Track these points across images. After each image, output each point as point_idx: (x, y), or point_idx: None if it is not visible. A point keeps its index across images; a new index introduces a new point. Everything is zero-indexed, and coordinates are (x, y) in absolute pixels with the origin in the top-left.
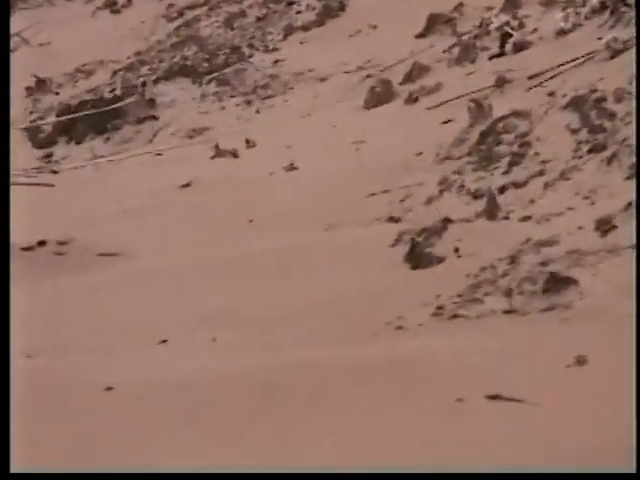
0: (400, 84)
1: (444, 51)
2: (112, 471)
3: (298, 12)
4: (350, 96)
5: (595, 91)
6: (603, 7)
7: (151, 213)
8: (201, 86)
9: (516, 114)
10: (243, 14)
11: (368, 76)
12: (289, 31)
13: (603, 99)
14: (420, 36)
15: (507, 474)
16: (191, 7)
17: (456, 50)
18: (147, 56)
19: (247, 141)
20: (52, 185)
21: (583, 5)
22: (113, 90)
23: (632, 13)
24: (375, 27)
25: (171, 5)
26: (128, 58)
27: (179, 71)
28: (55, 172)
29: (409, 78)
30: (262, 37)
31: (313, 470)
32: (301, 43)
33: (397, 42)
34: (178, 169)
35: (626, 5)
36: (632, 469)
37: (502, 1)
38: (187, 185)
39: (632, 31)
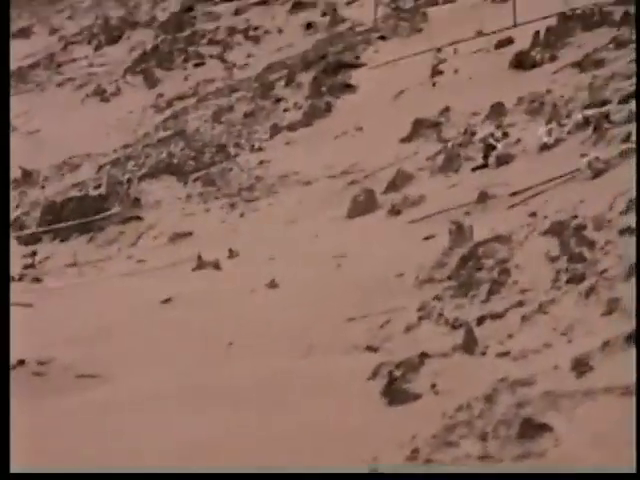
0: (383, 192)
1: (428, 158)
2: (112, 471)
3: (285, 110)
4: (334, 202)
5: (576, 217)
6: (587, 122)
7: (132, 332)
8: (186, 185)
9: (497, 238)
10: (231, 109)
11: (352, 182)
12: (275, 130)
13: (583, 227)
14: (405, 140)
15: (507, 474)
16: (180, 98)
17: (440, 158)
18: (134, 150)
19: (230, 251)
20: (30, 305)
21: (568, 116)
22: (99, 186)
23: (615, 130)
24: (361, 129)
25: (160, 95)
26: (115, 151)
27: (165, 169)
28: (39, 280)
29: (392, 186)
30: (248, 136)
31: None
32: (287, 143)
33: (382, 146)
34: (159, 281)
35: (609, 122)
36: (632, 469)
37: (487, 108)
38: (168, 301)
39: (616, 149)
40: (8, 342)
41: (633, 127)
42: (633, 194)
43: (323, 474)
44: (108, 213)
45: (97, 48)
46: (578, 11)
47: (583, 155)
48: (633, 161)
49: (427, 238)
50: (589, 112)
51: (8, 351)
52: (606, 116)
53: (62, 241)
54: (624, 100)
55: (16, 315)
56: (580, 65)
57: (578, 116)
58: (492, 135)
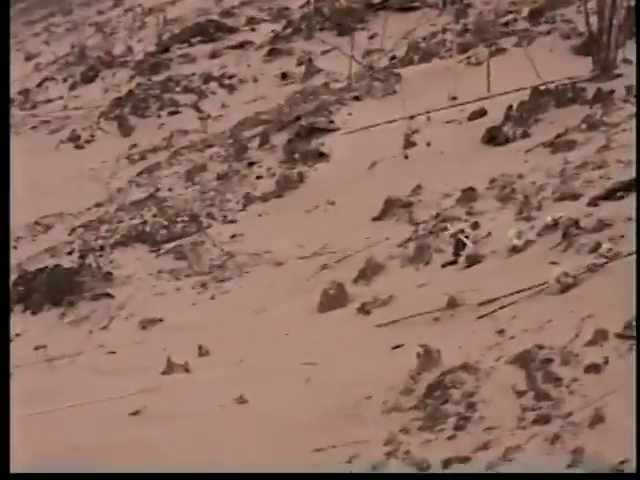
0: (354, 281)
1: (399, 245)
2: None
3: (258, 177)
4: (305, 290)
5: (542, 348)
6: (556, 224)
7: (99, 450)
8: (158, 256)
9: (464, 367)
10: (204, 168)
11: (324, 267)
12: (248, 200)
13: (549, 360)
14: (377, 219)
15: (507, 474)
16: (154, 150)
17: (411, 246)
18: (107, 212)
19: (200, 348)
20: None
21: (538, 209)
22: (71, 252)
23: (584, 238)
24: (333, 203)
25: (134, 145)
26: (89, 210)
27: (137, 237)
28: None
29: (363, 276)
30: (221, 204)
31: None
32: (260, 215)
33: (354, 225)
34: (129, 383)
35: (578, 228)
36: (632, 469)
37: (459, 191)
38: (136, 413)
39: (584, 260)
40: (8, 342)
41: (602, 236)
42: (600, 321)
43: (323, 474)
44: (80, 288)
45: (72, 87)
46: (551, 85)
47: (552, 263)
48: (601, 277)
49: (396, 347)
50: (559, 214)
51: (8, 351)
52: (576, 222)
53: (34, 314)
54: (594, 202)
55: None
56: (552, 145)
57: (547, 218)
58: (462, 231)
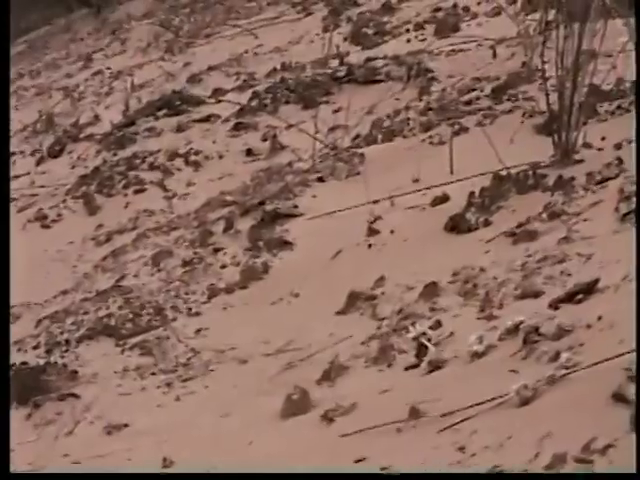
0: (318, 383)
1: (363, 343)
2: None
3: (223, 266)
4: (268, 392)
5: (501, 469)
6: (517, 329)
7: None
8: (124, 352)
9: None
10: (170, 253)
11: (288, 366)
12: (213, 292)
13: None
14: (340, 313)
15: (507, 474)
16: (120, 231)
17: (374, 345)
18: (73, 302)
19: (164, 460)
20: None
21: (500, 307)
22: (37, 346)
23: (544, 346)
24: (297, 295)
25: (100, 226)
26: (55, 298)
27: (103, 330)
28: None
29: (327, 378)
30: (186, 296)
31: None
32: (224, 308)
33: (318, 319)
34: None
35: (539, 334)
36: (632, 469)
37: (421, 285)
38: None
39: (544, 371)
40: (8, 342)
41: (562, 344)
42: (559, 441)
43: (323, 474)
44: (46, 387)
45: (39, 162)
46: (513, 171)
47: (512, 371)
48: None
49: (358, 461)
50: (519, 317)
51: (8, 351)
52: (536, 329)
53: None
54: (554, 304)
55: None
56: (513, 235)
57: (508, 323)
58: (424, 334)
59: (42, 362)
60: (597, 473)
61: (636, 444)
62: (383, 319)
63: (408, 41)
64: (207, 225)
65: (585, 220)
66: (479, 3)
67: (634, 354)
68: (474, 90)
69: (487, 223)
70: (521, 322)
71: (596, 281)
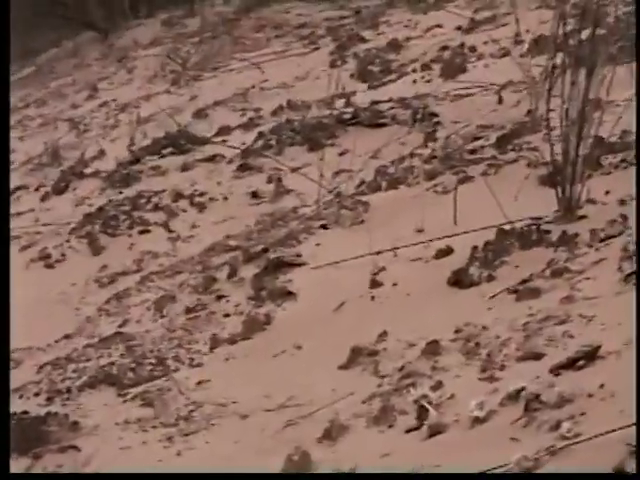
0: (318, 441)
1: (364, 401)
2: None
3: (226, 315)
4: (269, 450)
5: None
6: (518, 394)
7: None
8: (125, 402)
9: None
10: (173, 299)
11: (289, 423)
12: (215, 343)
13: None
14: (343, 367)
15: (507, 474)
16: (123, 273)
17: (376, 403)
18: (75, 348)
19: None
20: None
21: (502, 369)
22: (39, 393)
23: (545, 414)
24: (300, 347)
25: (104, 267)
26: (57, 342)
27: (104, 378)
28: None
29: (328, 436)
30: (188, 345)
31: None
32: (226, 359)
33: (320, 373)
34: None
35: (540, 402)
36: (632, 469)
37: (424, 342)
38: None
39: (545, 440)
40: (8, 341)
41: (562, 413)
42: None
43: (323, 474)
44: (47, 438)
45: (44, 198)
46: (517, 225)
47: (513, 439)
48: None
49: None
50: (521, 383)
51: (8, 350)
52: (537, 396)
53: None
54: (555, 370)
55: None
56: (516, 292)
57: (509, 388)
58: (426, 396)
59: (43, 411)
60: (597, 473)
61: (636, 443)
62: (385, 376)
63: (414, 82)
64: (211, 270)
65: (588, 279)
66: (486, 43)
67: (634, 428)
68: (479, 138)
69: (490, 278)
70: (523, 388)
71: (597, 347)
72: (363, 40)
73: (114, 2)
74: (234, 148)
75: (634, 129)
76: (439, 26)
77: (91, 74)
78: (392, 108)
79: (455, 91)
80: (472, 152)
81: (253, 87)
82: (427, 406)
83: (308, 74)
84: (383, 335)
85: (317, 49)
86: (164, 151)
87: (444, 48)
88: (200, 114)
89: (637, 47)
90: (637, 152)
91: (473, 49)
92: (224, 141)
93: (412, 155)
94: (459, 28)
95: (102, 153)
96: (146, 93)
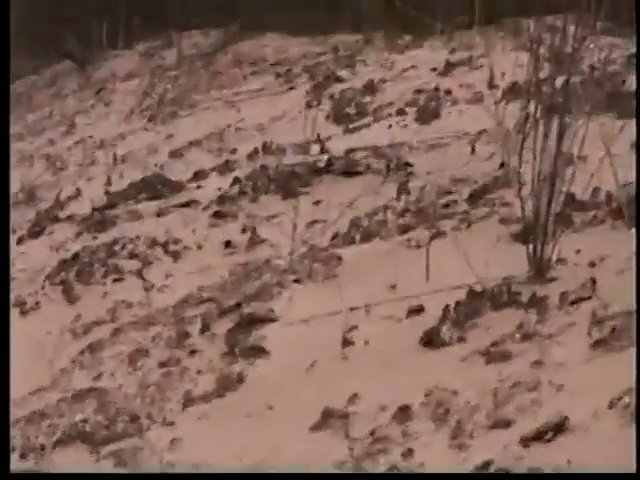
0: None
1: (335, 467)
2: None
3: (199, 372)
4: None
5: None
6: (486, 465)
7: None
8: (98, 461)
9: None
10: (146, 352)
11: None
12: (188, 401)
13: None
14: (314, 429)
15: (508, 474)
16: (97, 323)
17: (347, 469)
18: (48, 404)
19: None
20: None
21: (471, 436)
22: (13, 449)
23: None
24: (272, 408)
25: (78, 316)
26: (31, 395)
27: (78, 435)
28: None
29: None
30: (161, 403)
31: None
32: (199, 418)
33: (291, 435)
34: None
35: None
36: (632, 469)
37: (395, 406)
38: None
39: None
40: (8, 341)
41: None
42: None
43: (323, 474)
44: None
45: (19, 241)
46: (488, 285)
47: None
48: None
49: None
50: (490, 455)
51: (8, 349)
52: (506, 472)
53: None
54: (524, 442)
55: None
56: (487, 355)
57: (477, 460)
58: (395, 467)
59: (16, 469)
60: (597, 473)
61: (636, 444)
62: (356, 440)
63: (390, 127)
64: (184, 324)
65: (558, 343)
66: (461, 86)
67: None
68: (452, 192)
69: (461, 339)
70: (491, 462)
71: (566, 418)
72: (339, 80)
73: (92, 33)
74: (208, 200)
75: (604, 187)
76: (415, 67)
77: (69, 107)
78: (366, 157)
79: (429, 140)
80: (445, 206)
81: (229, 127)
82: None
83: (284, 114)
84: (354, 397)
85: (293, 88)
86: (140, 196)
87: (419, 91)
88: (176, 154)
89: (638, 42)
90: (637, 174)
91: (448, 92)
92: (199, 187)
93: (386, 207)
94: (435, 69)
95: (78, 193)
96: (123, 130)
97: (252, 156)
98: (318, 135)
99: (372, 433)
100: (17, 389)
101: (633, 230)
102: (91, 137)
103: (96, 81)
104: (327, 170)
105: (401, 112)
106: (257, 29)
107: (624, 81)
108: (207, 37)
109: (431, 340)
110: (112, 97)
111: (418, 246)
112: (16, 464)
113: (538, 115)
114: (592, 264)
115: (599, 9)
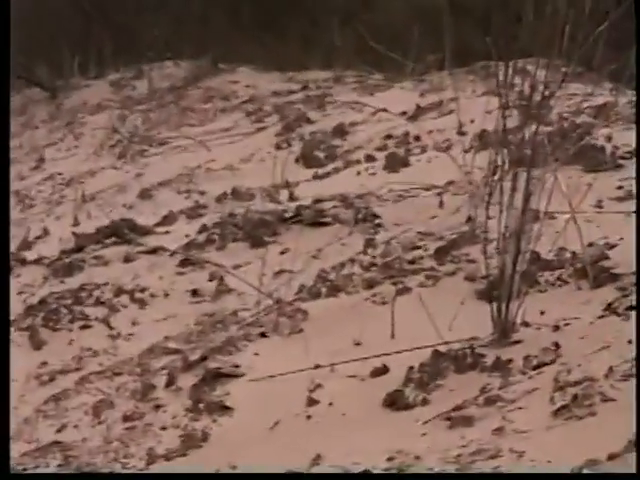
0: None
1: None
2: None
3: (163, 428)
4: None
5: None
6: None
7: None
8: None
9: None
10: (111, 404)
11: None
12: (152, 458)
13: None
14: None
15: (508, 474)
16: (62, 371)
17: None
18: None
19: None
20: None
21: None
22: None
23: None
24: (235, 468)
25: (44, 363)
26: None
27: None
28: None
29: None
30: (125, 459)
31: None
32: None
33: None
34: None
35: None
36: (632, 469)
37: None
38: None
39: None
40: (8, 340)
41: None
42: None
43: (323, 474)
44: None
45: None
46: (452, 346)
47: None
48: None
49: None
50: None
51: (8, 349)
52: None
53: None
54: None
55: None
56: (450, 419)
57: None
58: None
59: None
60: (597, 473)
61: (636, 444)
62: None
63: (358, 173)
64: (149, 375)
65: (520, 409)
66: (430, 132)
67: None
68: (418, 248)
69: (425, 402)
70: None
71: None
72: (309, 121)
73: (63, 61)
74: (175, 250)
75: (570, 247)
76: (385, 110)
77: (38, 139)
78: (335, 207)
79: (397, 191)
80: (411, 262)
81: (199, 167)
82: None
83: (253, 156)
84: (317, 458)
85: (263, 129)
86: (107, 240)
87: (389, 137)
88: (145, 195)
89: (637, 42)
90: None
91: (417, 138)
92: (167, 232)
93: (352, 261)
94: (404, 113)
95: (46, 232)
96: (91, 167)
97: (221, 199)
98: (287, 181)
99: None
100: None
101: (598, 290)
102: (60, 174)
103: (66, 111)
104: (295, 220)
105: (370, 158)
106: (228, 62)
107: (591, 133)
108: (179, 68)
109: (394, 402)
110: (82, 130)
111: (383, 302)
112: None
113: (506, 168)
114: (556, 327)
115: (571, 53)
